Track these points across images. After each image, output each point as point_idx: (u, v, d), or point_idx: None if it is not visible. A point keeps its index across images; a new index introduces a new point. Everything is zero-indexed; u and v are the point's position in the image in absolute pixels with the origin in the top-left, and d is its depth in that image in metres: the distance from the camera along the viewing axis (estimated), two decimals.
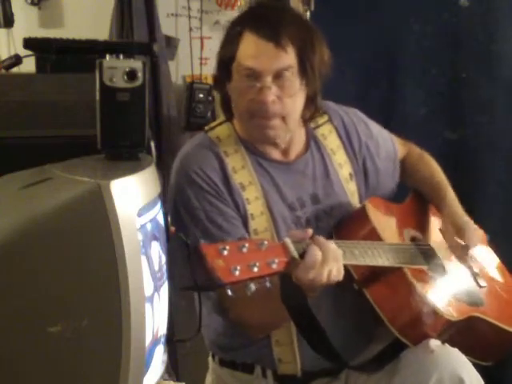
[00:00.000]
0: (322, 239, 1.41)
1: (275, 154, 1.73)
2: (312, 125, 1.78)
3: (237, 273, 1.24)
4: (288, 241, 1.36)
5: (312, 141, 1.78)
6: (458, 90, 2.65)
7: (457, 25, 2.63)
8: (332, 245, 1.42)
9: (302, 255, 1.37)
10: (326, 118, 1.80)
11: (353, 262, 1.48)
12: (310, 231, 1.42)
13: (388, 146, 1.89)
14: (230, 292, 1.26)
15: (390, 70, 2.66)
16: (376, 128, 1.89)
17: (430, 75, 2.65)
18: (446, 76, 2.65)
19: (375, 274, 1.55)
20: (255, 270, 1.26)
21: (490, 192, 2.61)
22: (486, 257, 1.87)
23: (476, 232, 1.76)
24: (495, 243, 1.92)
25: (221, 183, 1.65)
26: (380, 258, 1.53)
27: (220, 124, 1.76)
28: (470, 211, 1.82)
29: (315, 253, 1.38)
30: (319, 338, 1.56)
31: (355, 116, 1.85)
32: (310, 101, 1.69)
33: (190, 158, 1.69)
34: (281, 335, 1.66)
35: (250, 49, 1.61)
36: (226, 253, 1.25)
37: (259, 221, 1.65)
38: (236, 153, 1.70)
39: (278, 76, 1.60)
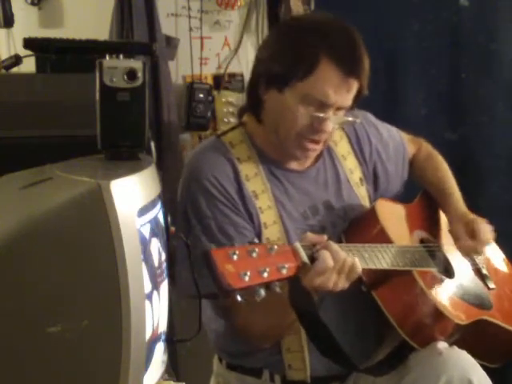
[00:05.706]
0: (334, 246, 1.40)
1: (291, 164, 1.70)
2: None
3: (246, 278, 1.23)
4: (298, 245, 1.36)
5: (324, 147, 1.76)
6: (458, 89, 2.65)
7: (457, 25, 2.63)
8: (343, 253, 1.40)
9: (313, 260, 1.36)
10: None
11: (363, 266, 1.46)
12: (325, 237, 1.42)
13: (397, 144, 1.88)
14: (239, 298, 1.24)
15: (390, 70, 2.66)
16: (385, 129, 1.88)
17: (430, 75, 2.65)
18: (445, 76, 2.65)
19: (384, 276, 1.54)
20: (265, 275, 1.25)
21: (491, 192, 2.60)
22: (494, 256, 1.86)
23: (487, 228, 1.73)
24: (497, 244, 1.92)
25: (234, 192, 1.62)
26: (390, 261, 1.51)
27: (232, 129, 1.71)
28: (471, 212, 1.81)
29: (326, 259, 1.37)
30: (328, 341, 1.53)
31: (365, 119, 1.84)
32: None
33: (203, 163, 1.64)
34: (291, 343, 1.64)
35: (329, 82, 1.55)
36: (235, 257, 1.24)
37: (271, 230, 1.63)
38: (249, 160, 1.66)
39: (337, 109, 1.59)
